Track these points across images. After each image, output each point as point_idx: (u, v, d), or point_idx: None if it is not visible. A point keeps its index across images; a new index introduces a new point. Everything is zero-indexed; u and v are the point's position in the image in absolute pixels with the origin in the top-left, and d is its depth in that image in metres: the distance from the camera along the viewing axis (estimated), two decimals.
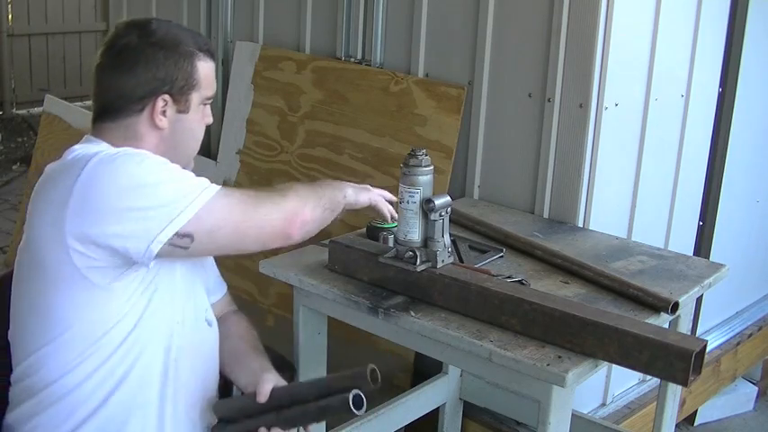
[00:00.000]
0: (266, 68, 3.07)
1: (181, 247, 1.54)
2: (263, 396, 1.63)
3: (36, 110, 7.01)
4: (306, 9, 2.97)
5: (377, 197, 1.87)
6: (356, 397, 1.56)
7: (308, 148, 2.91)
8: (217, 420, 1.72)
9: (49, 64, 7.79)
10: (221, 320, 1.87)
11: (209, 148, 3.42)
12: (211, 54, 1.73)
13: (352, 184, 1.84)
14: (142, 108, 1.65)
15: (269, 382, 1.66)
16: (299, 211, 1.66)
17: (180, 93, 1.67)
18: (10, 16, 7.57)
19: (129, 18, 1.75)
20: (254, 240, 1.64)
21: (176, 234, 1.53)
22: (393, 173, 2.60)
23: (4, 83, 7.58)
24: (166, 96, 1.65)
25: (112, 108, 1.66)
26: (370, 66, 2.79)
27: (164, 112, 1.66)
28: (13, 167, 6.36)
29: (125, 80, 1.64)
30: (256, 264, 2.02)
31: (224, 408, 1.73)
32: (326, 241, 2.00)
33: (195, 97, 1.69)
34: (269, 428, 1.62)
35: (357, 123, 2.77)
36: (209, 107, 1.76)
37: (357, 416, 1.59)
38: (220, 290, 1.94)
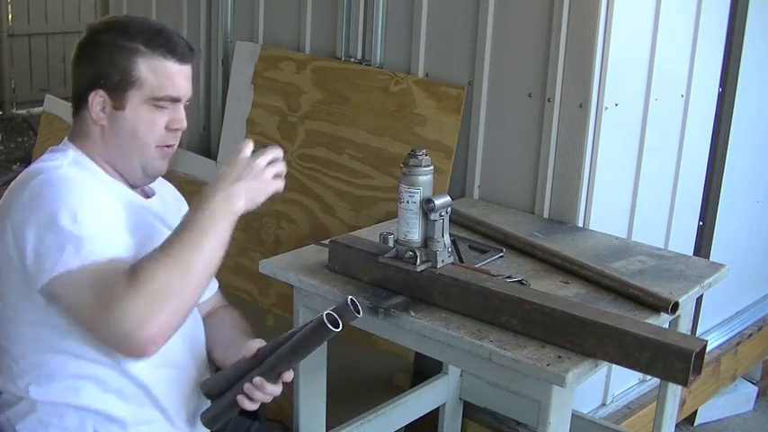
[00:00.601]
0: (266, 68, 3.07)
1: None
2: (248, 352, 1.64)
3: (36, 110, 7.01)
4: (306, 9, 2.97)
5: (272, 185, 1.62)
6: (329, 316, 1.50)
7: (308, 148, 2.91)
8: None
9: (49, 64, 7.79)
10: (213, 315, 1.88)
11: (209, 148, 3.43)
12: (173, 53, 1.63)
13: (236, 184, 1.54)
14: (85, 103, 1.64)
15: (255, 342, 1.67)
16: (144, 325, 1.39)
17: (115, 89, 1.62)
18: (10, 16, 7.57)
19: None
20: (105, 341, 1.48)
21: (41, 288, 1.49)
22: (393, 173, 2.60)
23: (4, 83, 7.58)
24: (101, 91, 1.62)
25: (72, 104, 1.69)
26: (370, 66, 2.79)
27: (102, 108, 1.63)
28: (13, 167, 6.36)
29: (75, 76, 1.68)
30: (256, 264, 2.02)
31: (211, 383, 1.71)
32: (326, 241, 2.00)
33: (134, 95, 1.63)
34: (253, 383, 1.59)
35: (357, 123, 2.77)
36: (176, 110, 1.67)
37: (334, 333, 1.49)
38: (211, 288, 1.92)
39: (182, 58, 1.65)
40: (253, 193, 1.56)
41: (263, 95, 3.06)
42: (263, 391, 1.59)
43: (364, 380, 2.69)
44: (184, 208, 1.87)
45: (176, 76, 1.65)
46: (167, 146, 1.69)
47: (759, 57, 2.90)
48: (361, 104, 2.76)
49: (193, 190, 2.17)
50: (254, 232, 3.00)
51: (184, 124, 1.69)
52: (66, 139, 1.72)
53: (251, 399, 1.60)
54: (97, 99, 1.63)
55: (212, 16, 3.34)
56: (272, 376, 1.60)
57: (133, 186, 1.73)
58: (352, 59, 2.85)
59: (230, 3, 3.26)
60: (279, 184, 1.63)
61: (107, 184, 1.66)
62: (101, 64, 1.62)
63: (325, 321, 1.50)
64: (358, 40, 2.83)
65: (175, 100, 1.66)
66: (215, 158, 3.22)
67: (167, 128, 1.67)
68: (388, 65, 2.75)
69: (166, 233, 1.61)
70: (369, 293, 1.83)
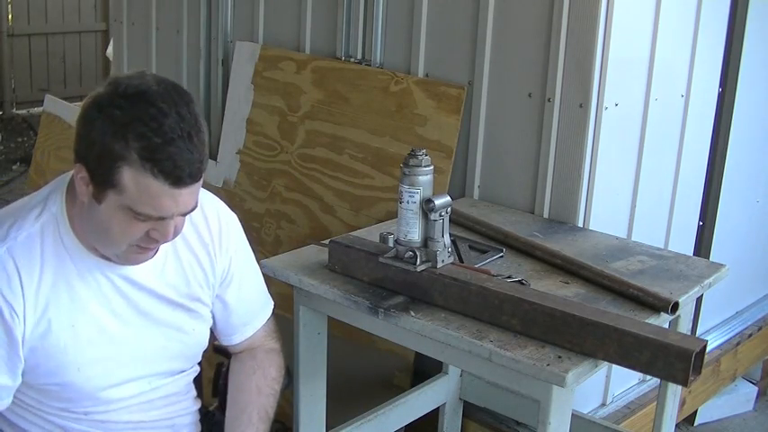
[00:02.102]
0: (266, 68, 3.07)
1: None
2: None
3: (36, 110, 7.02)
4: (306, 9, 2.97)
5: None
6: None
7: (308, 148, 2.91)
8: None
9: (49, 64, 7.80)
10: (251, 354, 1.82)
11: (208, 148, 3.43)
12: (166, 176, 1.40)
13: None
14: (75, 163, 1.48)
15: None
16: None
17: (96, 179, 1.44)
18: (10, 16, 7.58)
19: (159, 74, 1.48)
20: None
21: None
22: (393, 173, 2.60)
23: (4, 83, 7.59)
24: (84, 170, 1.45)
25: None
26: (370, 66, 2.79)
27: (86, 184, 1.46)
28: (13, 167, 6.37)
29: (76, 124, 1.48)
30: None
31: None
32: (326, 241, 2.00)
33: (112, 198, 1.43)
34: None
35: (357, 123, 2.77)
36: (157, 224, 1.47)
37: None
38: (256, 322, 1.83)
39: (176, 182, 1.42)
40: None
41: (263, 95, 3.06)
42: None
43: (364, 380, 2.69)
44: (227, 246, 1.73)
45: (163, 199, 1.43)
46: (148, 248, 1.53)
47: (759, 57, 2.90)
48: (361, 104, 2.76)
49: None
50: (254, 232, 3.00)
51: (169, 238, 1.50)
52: (66, 182, 1.58)
53: None
54: (81, 174, 1.46)
55: (212, 16, 3.34)
56: None
57: None
58: (352, 59, 2.85)
59: (230, 3, 3.26)
60: None
61: (72, 257, 1.54)
62: (90, 142, 1.43)
63: None
64: (358, 40, 2.83)
65: (159, 218, 1.47)
66: (215, 158, 3.22)
67: (149, 235, 1.49)
68: (388, 65, 2.75)
69: (149, 300, 1.60)
70: (369, 293, 1.83)
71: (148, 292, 1.62)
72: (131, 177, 1.40)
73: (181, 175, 1.41)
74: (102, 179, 1.42)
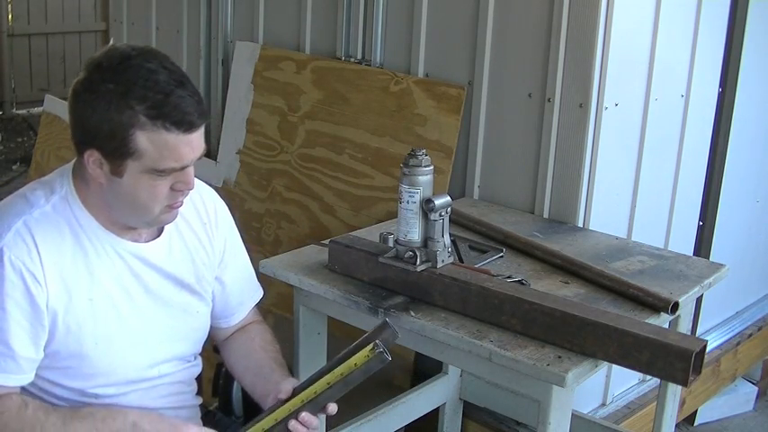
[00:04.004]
0: (266, 68, 3.07)
1: None
2: (284, 393, 1.60)
3: (36, 110, 7.02)
4: (306, 9, 2.97)
5: None
6: (379, 346, 1.51)
7: (308, 148, 2.91)
8: None
9: (49, 64, 7.79)
10: (244, 331, 1.86)
11: (208, 148, 3.42)
12: (177, 125, 1.46)
13: (143, 429, 1.54)
14: (82, 155, 1.52)
15: (288, 383, 1.63)
16: None
17: (111, 155, 1.48)
18: (10, 16, 7.57)
19: (129, 42, 1.60)
20: None
21: None
22: (393, 173, 2.60)
23: (4, 83, 7.59)
24: (96, 152, 1.49)
25: (72, 142, 1.55)
26: (370, 66, 2.79)
27: (100, 166, 1.50)
28: (13, 167, 6.36)
29: (72, 117, 1.52)
30: (256, 264, 2.02)
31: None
32: (326, 241, 2.00)
33: (133, 165, 1.48)
34: (299, 420, 1.55)
35: (357, 123, 2.77)
36: (181, 173, 1.52)
37: (386, 362, 1.51)
38: (251, 301, 1.88)
39: (188, 128, 1.48)
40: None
41: (263, 95, 3.06)
42: (308, 427, 1.57)
43: (364, 380, 2.69)
44: (221, 226, 1.78)
45: (181, 147, 1.48)
46: (174, 204, 1.58)
47: (759, 57, 2.90)
48: (361, 104, 2.77)
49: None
50: (254, 232, 3.00)
51: (192, 185, 1.56)
52: (72, 167, 1.61)
53: None
54: (93, 158, 1.50)
55: (212, 16, 3.34)
56: (317, 409, 1.58)
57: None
58: (352, 59, 2.85)
59: (230, 3, 3.26)
60: None
61: (87, 234, 1.58)
62: (95, 124, 1.46)
63: (385, 352, 1.51)
64: (358, 40, 2.83)
65: (180, 168, 1.52)
66: (215, 158, 3.22)
67: (173, 189, 1.54)
68: (388, 65, 2.75)
69: (158, 280, 1.64)
70: (369, 293, 1.83)
71: (158, 271, 1.66)
72: (146, 139, 1.45)
73: (191, 119, 1.47)
74: (119, 153, 1.47)
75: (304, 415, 1.56)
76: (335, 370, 1.55)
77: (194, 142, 1.50)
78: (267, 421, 1.59)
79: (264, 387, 1.69)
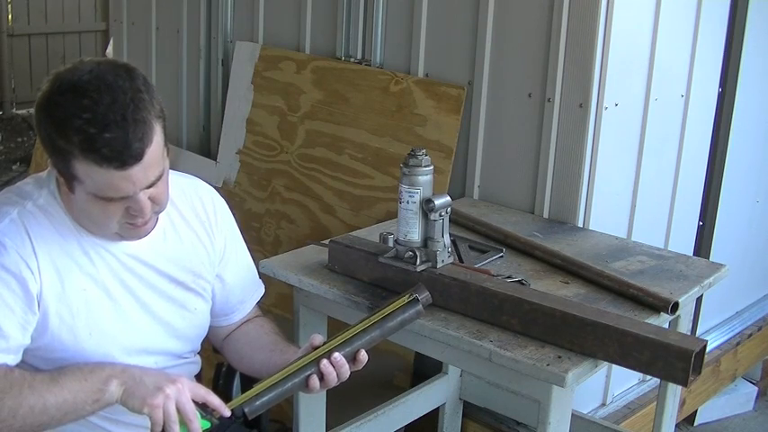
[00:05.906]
0: (266, 68, 3.07)
1: None
2: (315, 342, 1.59)
3: None
4: (306, 9, 2.97)
5: (156, 412, 1.46)
6: (414, 294, 1.58)
7: (308, 148, 2.91)
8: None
9: (48, 64, 7.78)
10: (251, 321, 1.86)
11: (208, 148, 3.43)
12: (109, 162, 1.41)
13: (132, 377, 1.51)
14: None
15: (318, 336, 1.62)
16: None
17: (61, 173, 1.50)
18: (10, 16, 7.57)
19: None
20: None
21: None
22: (393, 173, 2.60)
23: (4, 83, 7.58)
24: (51, 164, 1.52)
25: None
26: (370, 66, 2.79)
27: (57, 176, 1.54)
28: (13, 167, 6.36)
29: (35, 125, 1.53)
30: (256, 264, 2.02)
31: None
32: (326, 241, 2.00)
33: (79, 187, 1.48)
34: (332, 360, 1.54)
35: (357, 123, 2.77)
36: (129, 200, 1.48)
37: (420, 314, 1.61)
38: (256, 297, 1.89)
39: (120, 166, 1.43)
40: (133, 391, 1.50)
41: (263, 95, 3.06)
42: (339, 370, 1.56)
43: (364, 380, 2.68)
44: (221, 224, 1.78)
45: (116, 182, 1.45)
46: (136, 223, 1.55)
47: (759, 57, 2.90)
48: (361, 104, 2.76)
49: None
50: (254, 232, 3.00)
51: (146, 211, 1.51)
52: (54, 173, 1.59)
53: (322, 379, 1.55)
54: (53, 169, 1.54)
55: (212, 16, 3.34)
56: (349, 356, 1.57)
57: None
58: (352, 59, 2.85)
59: (230, 3, 3.26)
60: (157, 412, 1.47)
61: (70, 235, 1.58)
62: (46, 141, 1.48)
63: (420, 303, 1.56)
64: (358, 40, 2.83)
65: (124, 198, 1.49)
66: (214, 158, 3.22)
67: (128, 212, 1.52)
68: (388, 65, 2.75)
69: (152, 276, 1.65)
70: (369, 293, 1.83)
71: (152, 268, 1.66)
72: (82, 169, 1.44)
73: (123, 158, 1.43)
74: (64, 173, 1.48)
75: (336, 355, 1.55)
76: (371, 317, 1.58)
77: (134, 176, 1.45)
78: (300, 362, 1.57)
79: (282, 357, 1.68)
